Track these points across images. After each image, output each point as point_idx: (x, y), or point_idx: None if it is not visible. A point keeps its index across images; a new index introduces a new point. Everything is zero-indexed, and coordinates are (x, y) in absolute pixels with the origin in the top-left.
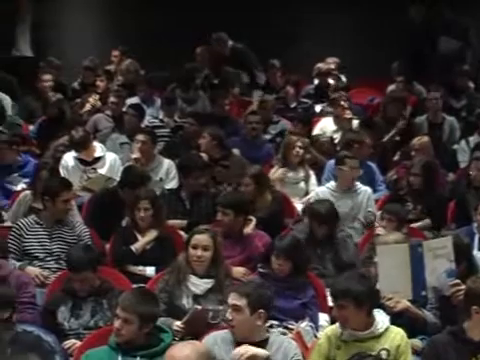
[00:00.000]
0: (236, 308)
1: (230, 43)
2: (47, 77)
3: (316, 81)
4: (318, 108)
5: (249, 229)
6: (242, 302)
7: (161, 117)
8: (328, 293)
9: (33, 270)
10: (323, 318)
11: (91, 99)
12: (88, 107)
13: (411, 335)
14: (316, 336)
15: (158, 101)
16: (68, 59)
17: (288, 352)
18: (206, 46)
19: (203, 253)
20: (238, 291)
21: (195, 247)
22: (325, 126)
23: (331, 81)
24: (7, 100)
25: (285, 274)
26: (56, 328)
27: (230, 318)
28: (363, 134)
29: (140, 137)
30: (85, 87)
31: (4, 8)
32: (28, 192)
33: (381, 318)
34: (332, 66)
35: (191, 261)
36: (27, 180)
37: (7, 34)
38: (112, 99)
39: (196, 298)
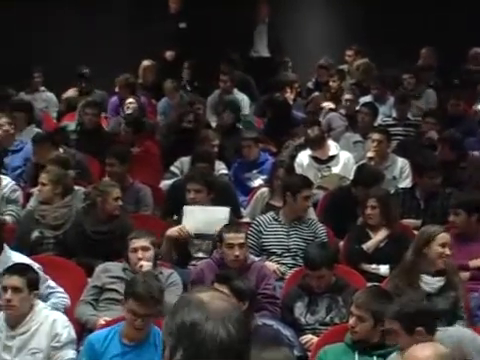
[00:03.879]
0: (394, 332)
1: None
2: (293, 77)
3: None
4: None
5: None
6: (396, 325)
7: (394, 115)
8: None
9: (271, 265)
10: None
11: (325, 104)
12: (326, 112)
13: None
14: None
15: (391, 99)
16: (302, 59)
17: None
18: (431, 46)
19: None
20: (389, 314)
21: (444, 246)
22: None
23: None
24: (245, 100)
25: None
26: (293, 323)
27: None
28: None
29: (376, 136)
30: (319, 86)
31: (244, 11)
32: (265, 189)
33: None
34: None
35: (438, 258)
36: (264, 177)
37: (246, 36)
38: (347, 96)
39: (429, 297)
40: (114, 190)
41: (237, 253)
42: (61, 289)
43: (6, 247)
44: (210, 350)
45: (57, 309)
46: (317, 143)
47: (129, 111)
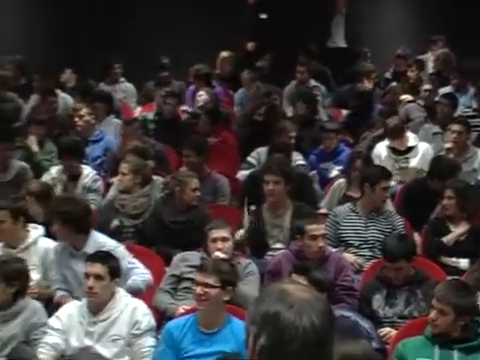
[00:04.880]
0: None
1: None
2: (371, 67)
3: None
4: None
5: None
6: None
7: (475, 106)
8: None
9: (349, 257)
10: None
11: (404, 97)
12: (404, 102)
13: None
14: None
15: (471, 90)
16: (380, 49)
17: None
18: None
19: None
20: None
21: None
22: None
23: None
24: (322, 90)
25: None
26: (371, 315)
27: None
28: None
29: (456, 127)
30: (397, 76)
31: (322, 2)
32: (342, 180)
33: None
34: None
35: None
36: (340, 167)
37: (324, 27)
38: (426, 86)
39: None
40: (192, 180)
41: (321, 244)
42: (142, 265)
43: (93, 231)
44: (293, 337)
45: (137, 286)
46: (396, 133)
47: (199, 104)
